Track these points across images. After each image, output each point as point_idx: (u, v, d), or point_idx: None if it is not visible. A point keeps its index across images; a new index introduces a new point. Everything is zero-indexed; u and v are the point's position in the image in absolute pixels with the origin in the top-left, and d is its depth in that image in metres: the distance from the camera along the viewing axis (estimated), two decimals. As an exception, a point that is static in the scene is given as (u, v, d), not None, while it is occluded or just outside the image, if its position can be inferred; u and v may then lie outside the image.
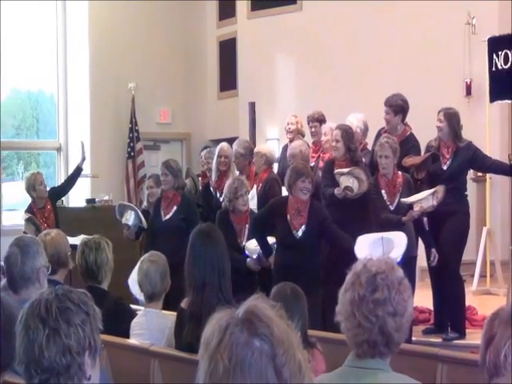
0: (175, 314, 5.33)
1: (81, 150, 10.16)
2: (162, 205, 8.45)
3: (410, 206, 7.26)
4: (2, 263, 4.94)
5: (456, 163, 7.78)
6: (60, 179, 13.13)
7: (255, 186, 8.68)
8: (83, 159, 10.05)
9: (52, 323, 2.34)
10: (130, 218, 8.81)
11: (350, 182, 7.41)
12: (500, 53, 9.97)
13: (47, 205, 9.36)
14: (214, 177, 9.01)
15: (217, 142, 10.75)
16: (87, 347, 2.37)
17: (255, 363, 1.65)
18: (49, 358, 2.32)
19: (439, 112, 7.93)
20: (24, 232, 9.02)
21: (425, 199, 7.20)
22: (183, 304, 5.19)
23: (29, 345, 2.35)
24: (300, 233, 7.19)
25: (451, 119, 7.83)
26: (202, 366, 1.70)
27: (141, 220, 8.71)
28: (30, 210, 9.33)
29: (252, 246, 7.46)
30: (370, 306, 2.88)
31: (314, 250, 7.17)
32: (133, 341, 5.49)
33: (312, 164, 8.54)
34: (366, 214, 7.45)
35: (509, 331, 2.56)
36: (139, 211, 8.95)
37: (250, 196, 8.13)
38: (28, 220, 9.08)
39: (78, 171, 9.97)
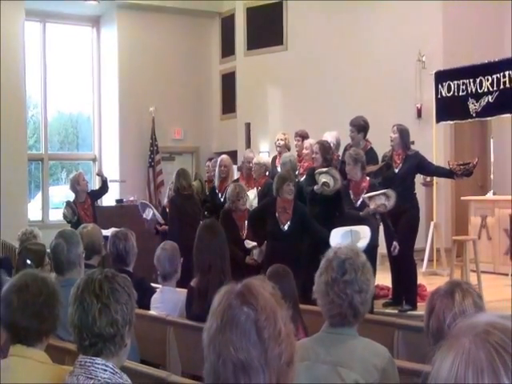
0: (186, 290, 5.31)
1: (101, 175, 10.23)
2: None
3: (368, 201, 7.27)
4: (49, 250, 4.93)
5: (405, 167, 7.80)
6: (95, 184, 13.13)
7: (255, 188, 8.65)
8: (105, 178, 10.06)
9: (104, 300, 2.41)
10: (148, 214, 8.93)
11: (327, 178, 7.41)
12: (444, 83, 10.02)
13: (87, 200, 9.30)
14: (216, 182, 9.01)
15: (220, 154, 10.74)
16: (128, 322, 2.45)
17: (241, 324, 1.66)
18: (99, 326, 2.39)
19: (393, 127, 8.00)
20: (63, 213, 9.06)
21: (378, 197, 7.20)
22: (192, 283, 5.19)
23: (83, 314, 2.41)
24: (286, 227, 7.18)
25: (402, 132, 7.89)
26: (206, 324, 1.72)
27: (155, 215, 8.85)
28: (70, 204, 9.27)
29: (251, 243, 7.44)
30: (340, 286, 2.89)
31: (297, 240, 7.14)
32: (152, 312, 5.48)
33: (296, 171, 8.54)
34: (339, 210, 7.44)
35: (446, 302, 2.60)
36: (154, 209, 9.04)
37: (252, 196, 8.12)
38: (67, 203, 9.11)
39: (105, 183, 9.95)
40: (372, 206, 7.19)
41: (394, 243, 7.46)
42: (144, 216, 8.96)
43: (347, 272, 2.90)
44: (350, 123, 8.24)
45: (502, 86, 9.13)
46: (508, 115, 9.68)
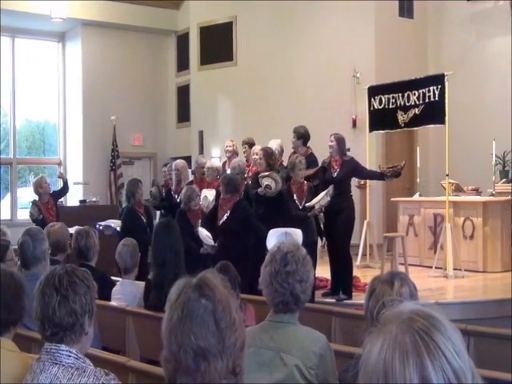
0: (144, 283, 5.27)
1: (62, 177, 10.08)
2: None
3: (313, 205, 7.31)
4: (16, 247, 4.84)
5: (342, 172, 7.83)
6: (60, 185, 12.95)
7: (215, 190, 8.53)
8: (66, 179, 9.94)
9: (63, 292, 2.37)
10: (109, 231, 8.86)
11: (269, 181, 7.41)
12: (376, 97, 10.14)
13: (50, 200, 9.16)
14: (174, 184, 8.95)
15: (175, 159, 10.67)
16: (87, 311, 2.40)
17: (201, 315, 1.66)
18: (59, 317, 2.35)
19: (331, 136, 8.02)
20: (30, 212, 8.92)
21: (322, 199, 7.26)
22: (149, 276, 5.14)
23: (44, 306, 2.36)
24: (221, 222, 7.13)
25: (339, 140, 7.93)
26: (164, 315, 1.71)
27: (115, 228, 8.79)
28: (36, 203, 9.13)
29: (204, 233, 7.40)
30: (283, 276, 2.90)
31: (235, 235, 6.99)
32: (113, 303, 5.42)
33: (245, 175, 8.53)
34: (282, 210, 7.44)
35: (386, 287, 2.64)
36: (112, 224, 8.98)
37: (211, 198, 8.07)
38: (33, 202, 8.98)
39: (66, 184, 9.81)
40: (317, 206, 7.25)
41: (324, 239, 7.58)
42: (109, 233, 8.89)
43: (289, 264, 2.91)
44: (292, 131, 8.28)
45: (427, 100, 9.29)
46: (432, 126, 9.87)
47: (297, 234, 6.83)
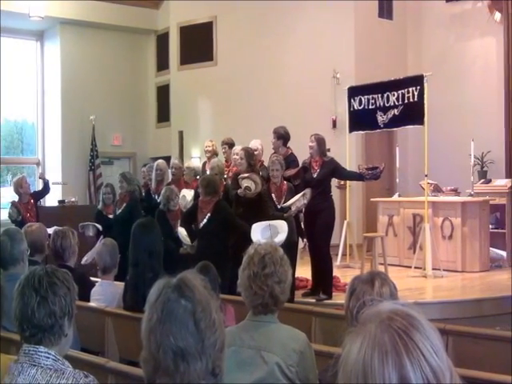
0: (123, 284, 5.24)
1: (43, 177, 10.08)
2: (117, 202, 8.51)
3: (290, 206, 7.32)
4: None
5: (322, 172, 7.84)
6: (38, 186, 12.85)
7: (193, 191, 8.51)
8: (47, 180, 9.91)
9: (43, 293, 2.35)
10: (89, 231, 8.55)
11: (249, 183, 7.41)
12: (356, 98, 10.19)
13: (30, 201, 9.11)
14: (153, 185, 8.92)
15: (155, 159, 10.65)
16: (67, 313, 2.39)
17: (180, 316, 1.65)
18: (38, 318, 2.33)
19: (311, 136, 8.02)
20: (9, 213, 8.86)
21: (298, 201, 7.26)
22: (128, 277, 5.12)
23: (23, 307, 2.35)
24: (201, 224, 7.09)
25: (319, 141, 7.94)
26: (144, 315, 1.70)
27: (97, 228, 8.51)
28: (15, 204, 9.08)
29: (183, 233, 7.38)
30: (262, 279, 2.90)
31: (215, 236, 6.93)
32: (92, 304, 5.39)
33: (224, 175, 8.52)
34: (261, 210, 7.44)
35: (366, 287, 2.65)
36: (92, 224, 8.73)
37: (189, 198, 8.05)
38: (12, 203, 8.93)
39: (47, 185, 9.76)
40: (293, 208, 7.25)
41: (305, 240, 7.59)
42: (90, 234, 8.67)
43: (267, 266, 2.91)
44: (272, 131, 8.30)
45: (406, 101, 9.35)
46: (411, 126, 9.93)
47: (281, 225, 6.85)
